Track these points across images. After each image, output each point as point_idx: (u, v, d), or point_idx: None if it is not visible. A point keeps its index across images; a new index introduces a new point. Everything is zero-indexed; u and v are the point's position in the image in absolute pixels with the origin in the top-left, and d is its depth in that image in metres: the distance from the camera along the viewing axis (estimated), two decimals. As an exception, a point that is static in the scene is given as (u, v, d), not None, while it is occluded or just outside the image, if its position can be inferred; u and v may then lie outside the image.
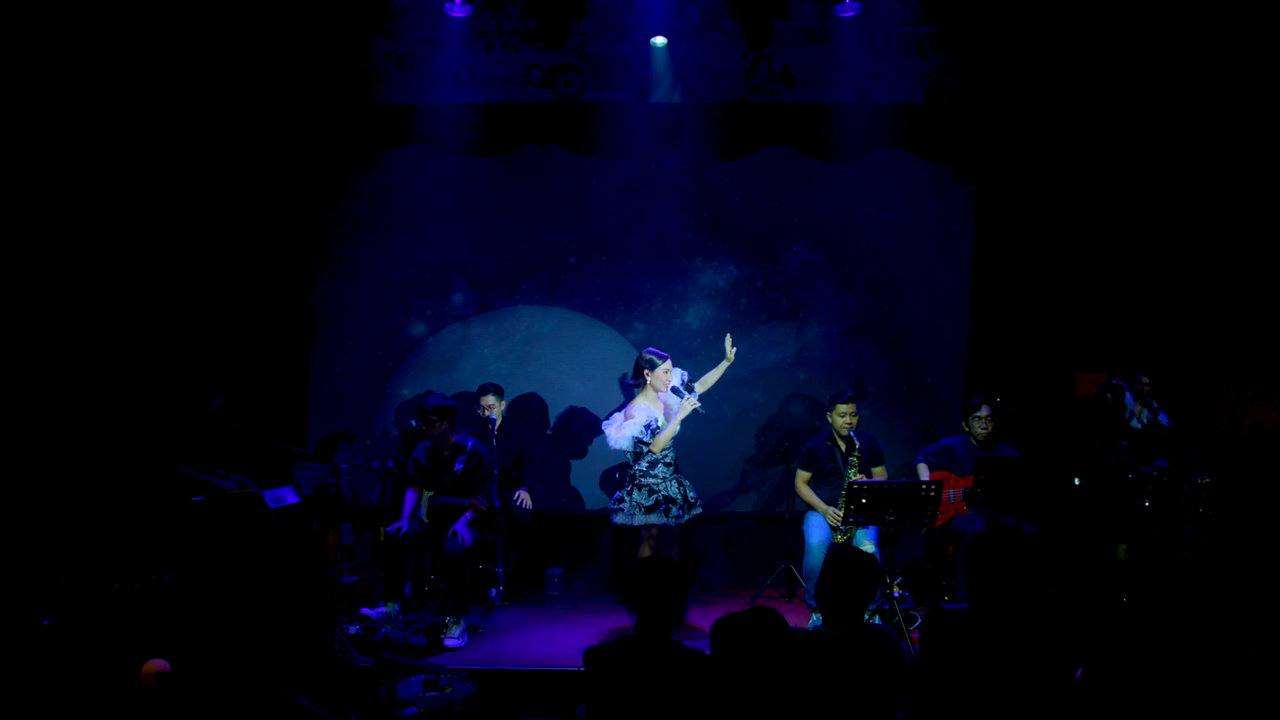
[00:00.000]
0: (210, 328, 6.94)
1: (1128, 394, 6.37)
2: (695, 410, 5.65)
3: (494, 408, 6.38)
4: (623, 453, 5.86)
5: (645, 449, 5.76)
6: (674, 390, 5.84)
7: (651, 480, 5.75)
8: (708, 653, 3.16)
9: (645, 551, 5.80)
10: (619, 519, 5.77)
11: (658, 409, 5.83)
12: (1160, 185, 6.81)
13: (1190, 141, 6.72)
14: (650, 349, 5.98)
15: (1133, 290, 6.90)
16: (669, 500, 5.71)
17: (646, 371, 5.84)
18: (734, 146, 7.02)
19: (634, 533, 5.89)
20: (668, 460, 5.80)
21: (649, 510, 5.68)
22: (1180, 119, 6.70)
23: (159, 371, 6.81)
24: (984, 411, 6.03)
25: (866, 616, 3.58)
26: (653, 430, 5.75)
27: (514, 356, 7.21)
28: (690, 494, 5.83)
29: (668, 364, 5.86)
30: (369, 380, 7.24)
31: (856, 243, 7.15)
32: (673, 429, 5.74)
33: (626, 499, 5.75)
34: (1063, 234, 6.87)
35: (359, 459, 6.75)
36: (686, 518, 5.78)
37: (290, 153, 6.99)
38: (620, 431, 5.78)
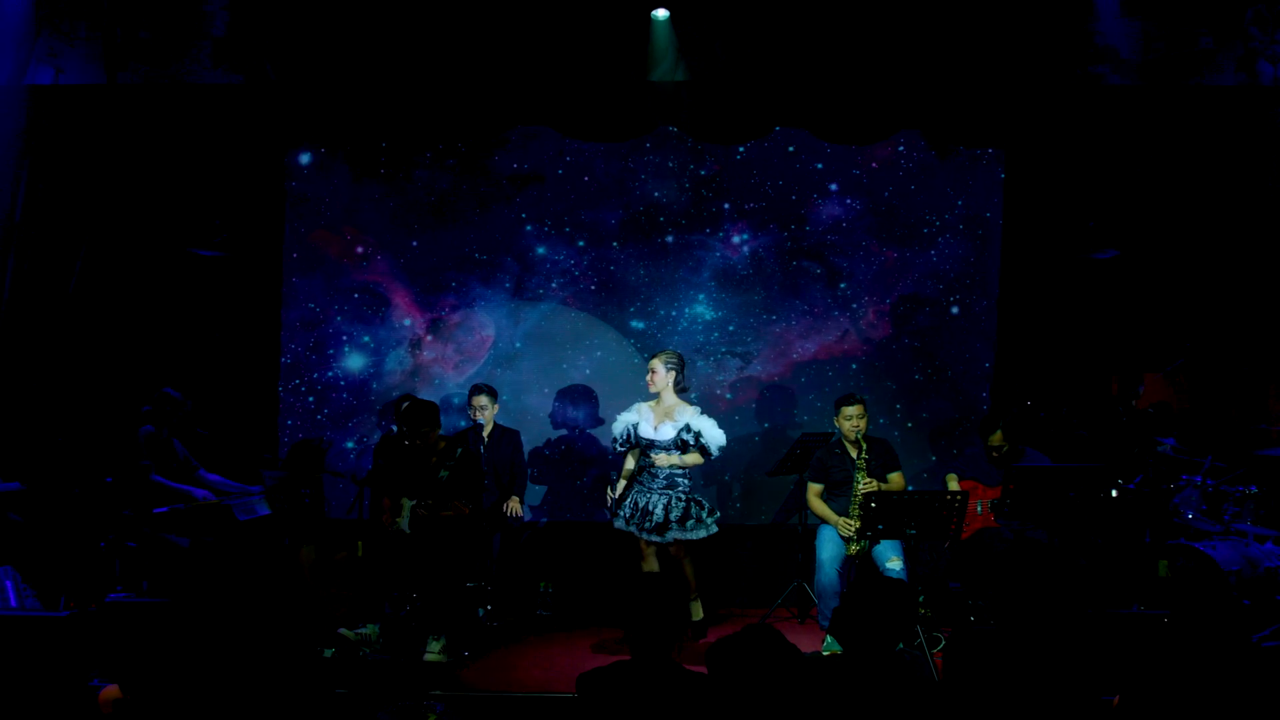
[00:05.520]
0: (170, 325, 6.91)
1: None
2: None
3: (485, 410, 6.35)
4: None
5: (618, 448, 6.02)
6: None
7: (637, 487, 5.88)
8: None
9: (652, 565, 5.83)
10: (617, 523, 5.91)
11: (651, 416, 5.92)
12: (1205, 169, 6.77)
13: (1235, 119, 6.68)
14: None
15: (1175, 286, 6.85)
16: (643, 513, 5.79)
17: None
18: (742, 130, 6.93)
19: (636, 545, 5.92)
20: (653, 470, 5.84)
21: (628, 520, 5.82)
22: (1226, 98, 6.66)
23: (111, 372, 6.79)
24: (996, 438, 6.14)
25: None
26: (620, 439, 5.97)
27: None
28: (675, 514, 5.74)
29: (651, 363, 5.98)
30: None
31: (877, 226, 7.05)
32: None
33: (624, 505, 5.87)
34: (1100, 220, 6.82)
35: (335, 466, 6.73)
36: (659, 539, 5.75)
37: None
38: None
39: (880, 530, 5.32)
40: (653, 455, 5.85)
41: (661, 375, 5.87)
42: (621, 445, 5.99)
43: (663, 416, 5.89)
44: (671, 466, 5.81)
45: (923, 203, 7.02)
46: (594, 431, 7.05)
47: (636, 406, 6.00)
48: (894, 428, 7.02)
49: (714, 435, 5.82)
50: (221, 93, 6.74)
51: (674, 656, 3.29)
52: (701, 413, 5.93)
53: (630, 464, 6.00)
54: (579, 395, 7.06)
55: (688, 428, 5.80)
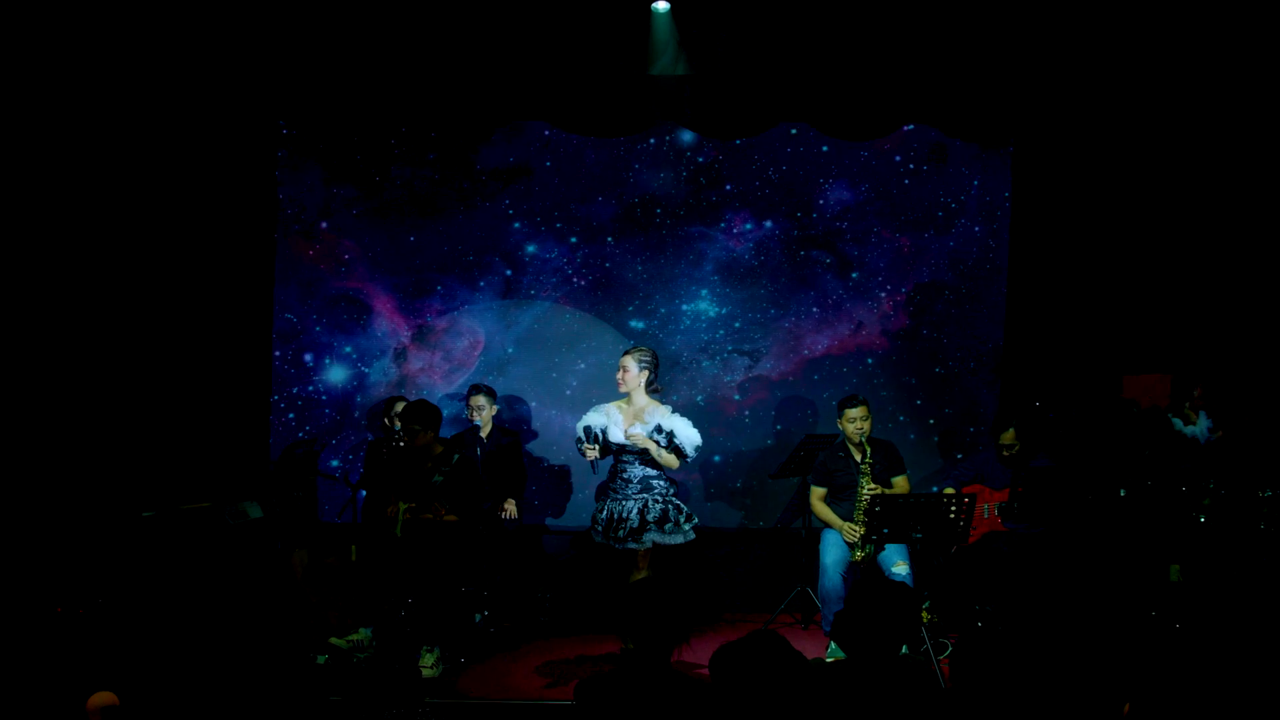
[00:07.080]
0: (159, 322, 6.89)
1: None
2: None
3: (483, 410, 6.34)
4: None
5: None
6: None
7: (610, 495, 5.61)
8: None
9: (641, 574, 5.58)
10: (596, 538, 5.63)
11: (620, 418, 5.57)
12: (1219, 164, 6.74)
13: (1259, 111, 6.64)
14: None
15: (1191, 282, 6.82)
16: (617, 522, 5.48)
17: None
18: (745, 125, 6.91)
19: (629, 552, 5.66)
20: (625, 475, 5.55)
21: (603, 531, 5.54)
22: (1251, 87, 6.62)
23: (97, 371, 6.75)
24: (1008, 436, 6.12)
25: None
26: (584, 439, 5.54)
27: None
28: (651, 515, 5.44)
29: (622, 360, 5.61)
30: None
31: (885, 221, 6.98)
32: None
33: (599, 518, 5.60)
34: (1112, 218, 6.79)
35: (327, 469, 6.71)
36: (636, 545, 5.43)
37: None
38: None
39: (886, 534, 5.31)
40: (624, 460, 5.56)
41: (634, 374, 5.53)
42: (590, 445, 5.51)
43: (633, 418, 5.55)
44: (644, 465, 5.51)
45: (937, 184, 6.87)
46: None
47: (605, 408, 5.60)
48: (916, 426, 6.94)
49: (688, 435, 5.49)
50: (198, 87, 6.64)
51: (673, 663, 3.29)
52: (674, 412, 5.59)
53: (608, 474, 5.67)
54: (576, 400, 6.95)
55: (659, 428, 5.48)
